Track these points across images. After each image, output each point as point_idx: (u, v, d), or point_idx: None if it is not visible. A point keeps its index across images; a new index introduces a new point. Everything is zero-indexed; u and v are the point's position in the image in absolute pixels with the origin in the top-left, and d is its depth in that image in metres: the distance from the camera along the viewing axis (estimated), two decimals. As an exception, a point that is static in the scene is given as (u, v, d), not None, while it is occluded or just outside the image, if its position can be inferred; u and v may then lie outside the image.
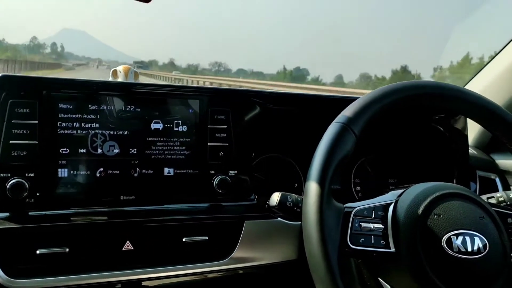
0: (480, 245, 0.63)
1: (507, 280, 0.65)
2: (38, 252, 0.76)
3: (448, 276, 0.62)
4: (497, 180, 1.20)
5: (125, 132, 0.87)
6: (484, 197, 0.86)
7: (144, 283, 0.87)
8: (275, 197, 0.75)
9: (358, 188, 1.19)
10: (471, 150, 1.23)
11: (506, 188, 1.18)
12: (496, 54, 1.22)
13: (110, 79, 1.07)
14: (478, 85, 1.26)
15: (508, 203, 0.84)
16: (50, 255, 0.77)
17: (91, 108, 0.85)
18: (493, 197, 0.86)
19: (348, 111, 0.70)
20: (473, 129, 1.27)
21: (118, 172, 0.86)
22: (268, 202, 0.77)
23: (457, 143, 1.10)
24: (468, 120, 1.09)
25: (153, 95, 0.90)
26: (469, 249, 0.63)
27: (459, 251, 0.62)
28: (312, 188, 0.64)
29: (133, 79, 1.08)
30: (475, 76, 1.30)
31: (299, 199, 0.75)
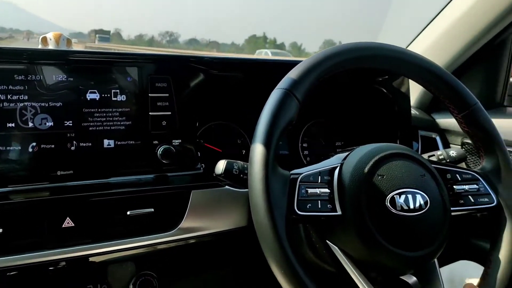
0: (422, 202, 0.66)
1: (448, 233, 0.69)
2: None
3: (392, 234, 0.65)
4: (438, 138, 1.25)
5: (58, 104, 0.81)
6: (425, 155, 0.89)
7: (85, 260, 0.84)
8: (221, 165, 0.74)
9: (306, 152, 1.20)
10: (413, 111, 1.27)
11: (446, 145, 1.24)
12: (436, 15, 1.24)
13: (39, 46, 0.99)
14: (420, 46, 1.28)
15: (448, 160, 0.88)
16: None
17: (18, 78, 0.78)
18: (433, 155, 0.90)
19: (290, 77, 0.69)
20: (415, 91, 1.31)
21: (53, 146, 0.81)
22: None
23: (399, 104, 1.13)
24: (410, 81, 1.12)
25: (87, 63, 0.85)
26: (411, 206, 0.65)
27: (402, 209, 0.65)
28: (257, 156, 0.63)
29: (65, 46, 1.01)
30: (417, 37, 1.32)
31: (245, 166, 0.74)
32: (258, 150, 0.64)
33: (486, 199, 0.75)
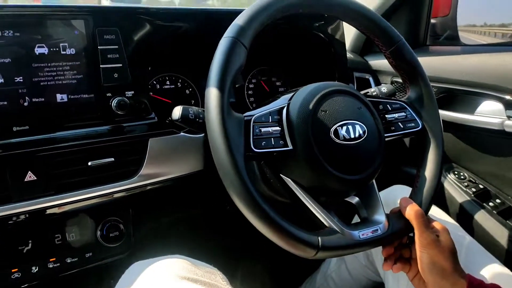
0: (361, 131, 0.74)
1: (383, 156, 0.78)
2: None
3: (337, 161, 0.72)
4: (370, 79, 1.35)
5: (7, 60, 0.80)
6: (361, 92, 0.98)
7: (51, 211, 0.87)
8: (177, 111, 0.77)
9: (252, 99, 1.26)
10: (348, 54, 1.35)
11: (378, 85, 1.34)
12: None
13: (-27, 3, 0.95)
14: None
15: (380, 95, 0.97)
16: None
17: None
18: (368, 92, 0.99)
19: (236, 24, 0.72)
20: (349, 35, 1.39)
21: (5, 103, 0.81)
22: (170, 118, 0.79)
23: (336, 48, 1.21)
24: (345, 27, 1.19)
25: (30, 17, 0.83)
26: (352, 136, 0.73)
27: (345, 139, 0.73)
28: (212, 102, 0.67)
29: (1, 1, 0.97)
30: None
31: (200, 110, 0.78)
32: (213, 96, 0.68)
33: (413, 124, 0.84)
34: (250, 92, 1.26)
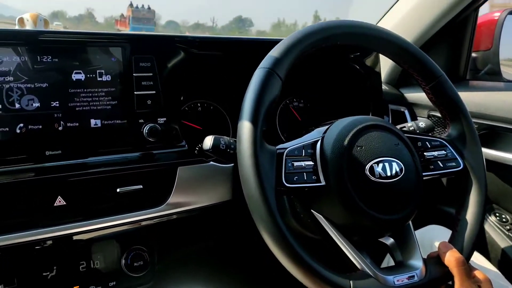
0: (397, 169, 0.71)
1: (421, 196, 0.74)
2: None
3: (372, 200, 0.69)
4: (406, 112, 1.31)
5: (44, 85, 0.82)
6: (397, 127, 0.95)
7: (78, 237, 0.86)
8: (208, 141, 0.76)
9: (283, 128, 1.24)
10: (383, 86, 1.33)
11: (413, 118, 1.31)
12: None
13: (16, 27, 0.98)
14: (389, 23, 1.34)
15: (418, 130, 0.94)
16: None
17: (2, 60, 0.78)
18: (404, 126, 0.96)
19: (271, 56, 0.71)
20: (384, 67, 1.36)
21: (40, 126, 0.82)
22: (200, 146, 0.78)
23: (371, 80, 1.18)
24: (380, 58, 1.17)
25: (70, 43, 0.85)
26: (389, 173, 0.70)
27: (380, 177, 0.69)
28: (245, 133, 0.66)
29: (43, 27, 1.00)
30: (386, 13, 1.37)
31: (231, 141, 0.77)
32: (245, 128, 0.67)
33: (454, 164, 0.80)
34: (281, 120, 1.25)
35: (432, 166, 0.79)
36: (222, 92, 1.14)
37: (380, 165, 0.70)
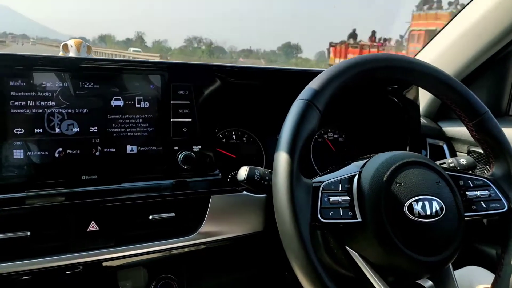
0: (438, 208, 0.68)
1: (462, 238, 0.71)
2: None
3: (411, 239, 0.66)
4: (445, 146, 1.27)
5: (84, 110, 0.83)
6: (437, 163, 0.91)
7: (108, 263, 0.86)
8: (243, 172, 0.75)
9: (317, 158, 1.22)
10: (421, 119, 1.29)
11: (452, 153, 1.26)
12: (444, 27, 1.27)
13: (61, 53, 1.01)
14: (429, 56, 1.31)
15: (459, 168, 0.90)
16: (11, 240, 0.74)
17: (45, 85, 0.80)
18: (444, 163, 0.92)
19: (311, 88, 0.71)
20: (423, 100, 1.33)
21: (78, 151, 0.83)
22: (232, 175, 0.77)
23: (409, 112, 1.16)
24: (419, 91, 1.15)
25: (111, 70, 0.87)
26: (428, 212, 0.67)
27: (420, 216, 0.67)
28: (281, 166, 0.65)
29: (86, 53, 1.03)
30: (425, 46, 1.35)
31: (266, 172, 0.76)
32: (282, 160, 0.66)
33: (497, 205, 0.77)
34: (315, 151, 1.23)
35: (475, 207, 0.76)
36: (257, 121, 1.13)
37: (420, 203, 0.67)
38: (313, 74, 0.74)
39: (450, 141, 1.29)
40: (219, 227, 0.93)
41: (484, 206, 0.76)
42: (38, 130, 0.80)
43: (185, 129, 0.91)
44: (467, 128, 0.82)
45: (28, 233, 0.75)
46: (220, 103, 0.99)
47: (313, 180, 0.69)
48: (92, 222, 0.81)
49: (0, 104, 0.76)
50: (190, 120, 0.92)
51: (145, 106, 0.88)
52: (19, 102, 0.78)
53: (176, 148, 0.90)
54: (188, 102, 0.92)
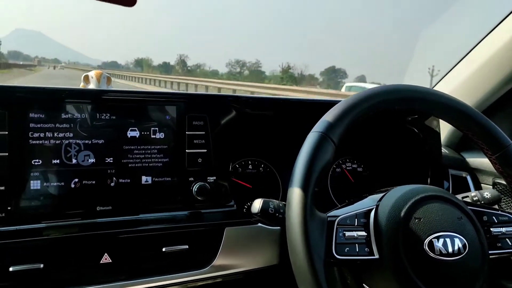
0: (460, 246, 0.65)
1: (487, 277, 0.67)
2: (11, 269, 0.73)
3: (432, 279, 0.63)
4: (468, 178, 1.23)
5: (101, 141, 0.84)
6: (459, 196, 0.88)
7: None
8: (257, 204, 0.74)
9: (335, 189, 1.20)
10: (443, 149, 1.26)
11: (477, 185, 1.22)
12: (464, 56, 1.25)
13: (82, 84, 1.03)
14: (447, 87, 1.29)
15: (482, 201, 0.87)
16: (24, 272, 0.74)
17: (64, 117, 0.82)
18: (467, 196, 0.89)
19: (326, 120, 0.70)
20: (444, 129, 1.30)
21: (94, 182, 0.83)
22: (248, 205, 0.76)
23: (430, 143, 1.13)
24: (440, 120, 1.12)
25: (128, 102, 0.88)
26: (450, 250, 0.64)
27: (441, 253, 0.64)
28: (295, 200, 0.64)
29: (106, 84, 1.05)
30: (444, 77, 1.33)
31: (280, 205, 0.75)
32: (296, 194, 0.64)
33: None
34: (333, 181, 1.21)
35: (500, 244, 0.73)
36: (273, 151, 1.13)
37: (441, 240, 0.65)
38: (330, 104, 0.73)
39: (474, 172, 1.25)
40: (233, 260, 0.91)
41: (510, 243, 0.73)
42: (55, 161, 0.81)
43: (200, 160, 0.91)
44: (490, 161, 0.79)
45: (42, 265, 0.75)
46: (235, 133, 0.98)
47: (328, 214, 0.68)
48: (105, 254, 0.81)
49: (19, 135, 0.78)
50: (205, 150, 0.92)
51: (161, 136, 0.89)
52: (38, 134, 0.79)
53: (191, 179, 0.90)
54: (204, 132, 0.92)
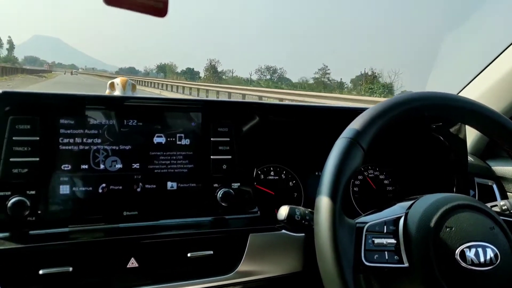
0: (492, 256, 0.64)
1: None
2: (41, 272, 0.74)
3: None
4: (494, 186, 1.21)
5: (128, 147, 0.85)
6: (487, 205, 0.87)
7: None
8: (283, 211, 0.74)
9: (357, 196, 1.19)
10: (469, 157, 1.24)
11: (503, 193, 1.20)
12: (491, 62, 1.24)
13: (107, 91, 1.06)
14: (474, 92, 1.27)
15: (511, 210, 0.85)
16: (53, 275, 0.75)
17: (92, 123, 0.83)
18: (496, 205, 0.87)
19: (355, 126, 0.70)
20: (469, 137, 1.28)
21: (120, 187, 0.85)
22: (276, 214, 0.76)
23: (456, 151, 1.11)
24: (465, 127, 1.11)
25: (154, 108, 0.89)
26: (482, 260, 0.63)
27: (473, 263, 0.63)
28: (324, 205, 0.64)
29: (131, 91, 1.07)
30: (469, 83, 1.31)
31: (306, 212, 0.75)
32: (324, 199, 0.64)
33: None
34: (355, 188, 1.20)
35: None
36: (296, 157, 1.13)
37: (473, 250, 0.64)
38: (353, 111, 0.74)
39: (500, 180, 1.22)
40: (257, 266, 0.91)
41: None
42: (83, 166, 0.82)
43: (224, 166, 0.92)
44: None
45: (71, 269, 0.76)
46: (259, 140, 0.99)
47: (356, 221, 0.68)
48: (132, 258, 0.81)
49: (50, 140, 0.80)
50: (230, 157, 0.92)
51: (186, 143, 0.90)
52: (68, 139, 0.81)
53: (216, 185, 0.91)
54: (228, 139, 0.93)
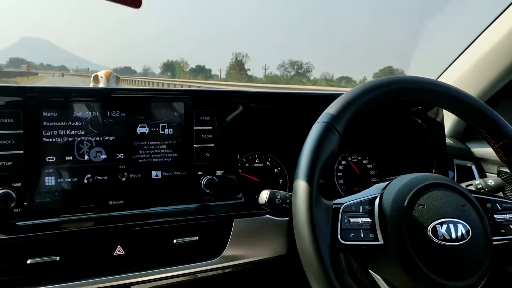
0: (463, 232, 0.66)
1: (490, 262, 0.68)
2: (28, 262, 0.76)
3: (435, 263, 0.65)
4: (473, 167, 1.24)
5: (111, 138, 0.87)
6: (463, 184, 0.89)
7: (135, 287, 0.87)
8: (264, 195, 0.76)
9: (341, 181, 1.22)
10: (447, 140, 1.27)
11: (481, 174, 1.23)
12: (467, 47, 1.26)
13: (91, 84, 1.06)
14: (451, 77, 1.30)
15: (486, 189, 0.88)
16: (41, 264, 0.77)
17: (75, 115, 0.84)
18: (471, 184, 0.90)
19: (330, 110, 0.71)
20: (448, 119, 1.31)
21: (106, 177, 0.86)
22: (256, 198, 0.78)
23: (434, 133, 1.14)
24: (444, 110, 1.13)
25: (137, 99, 0.90)
26: (453, 236, 0.65)
27: (444, 239, 0.65)
28: (301, 188, 0.65)
29: (115, 83, 1.08)
30: (448, 68, 1.34)
31: (287, 195, 0.76)
32: (301, 182, 0.66)
33: None
34: (339, 173, 1.23)
35: (503, 230, 0.74)
36: (279, 144, 1.14)
37: (444, 226, 0.66)
38: (334, 97, 0.75)
39: (479, 161, 1.25)
40: (242, 250, 0.93)
41: None
42: (68, 158, 0.84)
43: (208, 154, 0.93)
44: (494, 150, 0.80)
45: (58, 258, 0.78)
46: (242, 128, 1.01)
47: (333, 202, 0.69)
48: (119, 246, 0.83)
49: (33, 133, 0.81)
50: (213, 145, 0.94)
51: (169, 132, 0.91)
52: (51, 132, 0.82)
53: (200, 172, 0.93)
54: (211, 127, 0.94)
